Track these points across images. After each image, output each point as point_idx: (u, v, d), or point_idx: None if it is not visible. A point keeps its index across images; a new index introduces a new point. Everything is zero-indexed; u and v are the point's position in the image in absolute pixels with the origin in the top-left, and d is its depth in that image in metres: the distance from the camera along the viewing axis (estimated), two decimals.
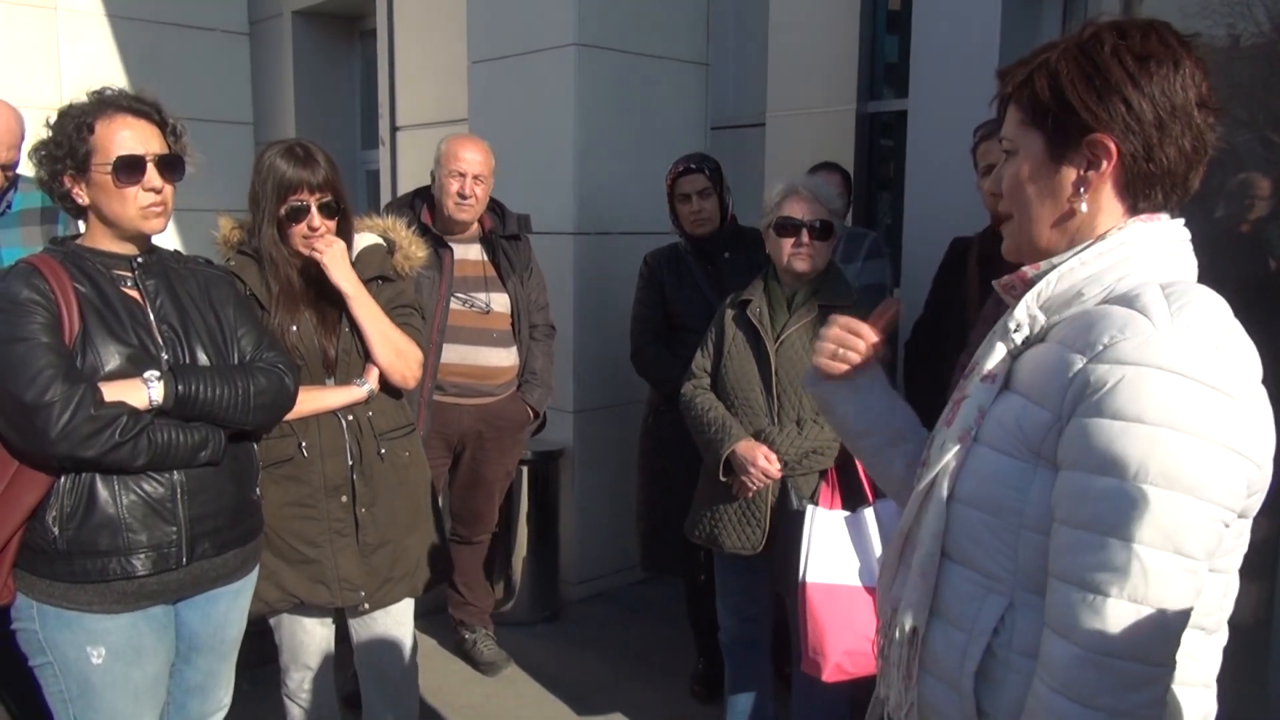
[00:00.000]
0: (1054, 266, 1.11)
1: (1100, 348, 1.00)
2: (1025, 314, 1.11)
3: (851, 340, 1.38)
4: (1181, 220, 1.12)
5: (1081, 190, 1.09)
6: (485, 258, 3.38)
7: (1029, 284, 1.14)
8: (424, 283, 3.14)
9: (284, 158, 2.21)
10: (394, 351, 2.33)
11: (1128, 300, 1.04)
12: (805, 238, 2.51)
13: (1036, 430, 1.05)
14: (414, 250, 2.51)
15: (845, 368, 1.39)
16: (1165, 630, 0.98)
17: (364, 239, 2.43)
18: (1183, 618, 0.99)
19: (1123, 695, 0.97)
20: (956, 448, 1.13)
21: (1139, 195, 1.10)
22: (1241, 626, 1.15)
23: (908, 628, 1.17)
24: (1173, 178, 1.09)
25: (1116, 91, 1.05)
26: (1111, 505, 0.97)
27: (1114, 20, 1.10)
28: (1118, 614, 0.97)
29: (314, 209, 2.23)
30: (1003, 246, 1.22)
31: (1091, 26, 1.10)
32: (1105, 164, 1.08)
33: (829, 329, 1.41)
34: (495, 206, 3.43)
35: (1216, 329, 1.01)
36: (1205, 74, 1.08)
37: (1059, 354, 1.05)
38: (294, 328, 2.26)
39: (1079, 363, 1.01)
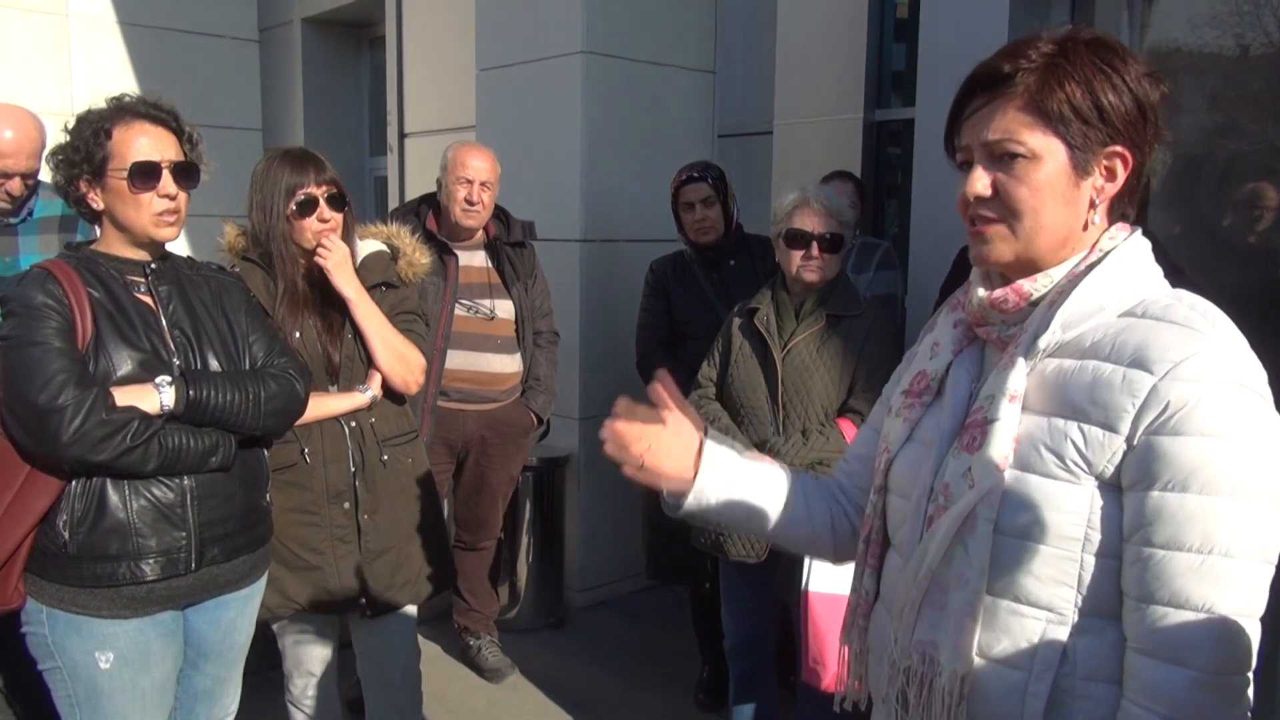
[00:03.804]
0: (1054, 281, 1.10)
1: (1169, 365, 0.98)
2: (1054, 331, 1.07)
3: (625, 443, 1.25)
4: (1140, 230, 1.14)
5: (1096, 203, 1.09)
6: (490, 264, 3.39)
7: (1025, 298, 1.11)
8: (429, 289, 3.15)
9: (283, 160, 2.26)
10: (396, 357, 2.34)
11: (1156, 314, 1.04)
12: (815, 250, 2.51)
13: (1098, 452, 1.02)
14: (418, 257, 2.52)
15: (654, 468, 1.26)
16: (1255, 637, 1.00)
17: (368, 245, 2.44)
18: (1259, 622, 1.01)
19: (1230, 710, 0.99)
20: (996, 475, 1.06)
21: (1120, 209, 1.11)
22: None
23: (958, 675, 1.09)
24: (1140, 190, 1.11)
25: (1141, 107, 1.06)
26: (1213, 524, 0.97)
27: (1095, 31, 1.10)
28: (1228, 631, 0.97)
29: (322, 202, 2.25)
30: (989, 251, 1.12)
31: (1086, 33, 1.09)
32: (1122, 175, 1.08)
33: (604, 433, 1.27)
34: (500, 213, 3.44)
35: (1240, 336, 1.03)
36: None
37: (1110, 372, 1.02)
38: (297, 333, 2.27)
39: (1148, 381, 0.99)
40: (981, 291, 1.16)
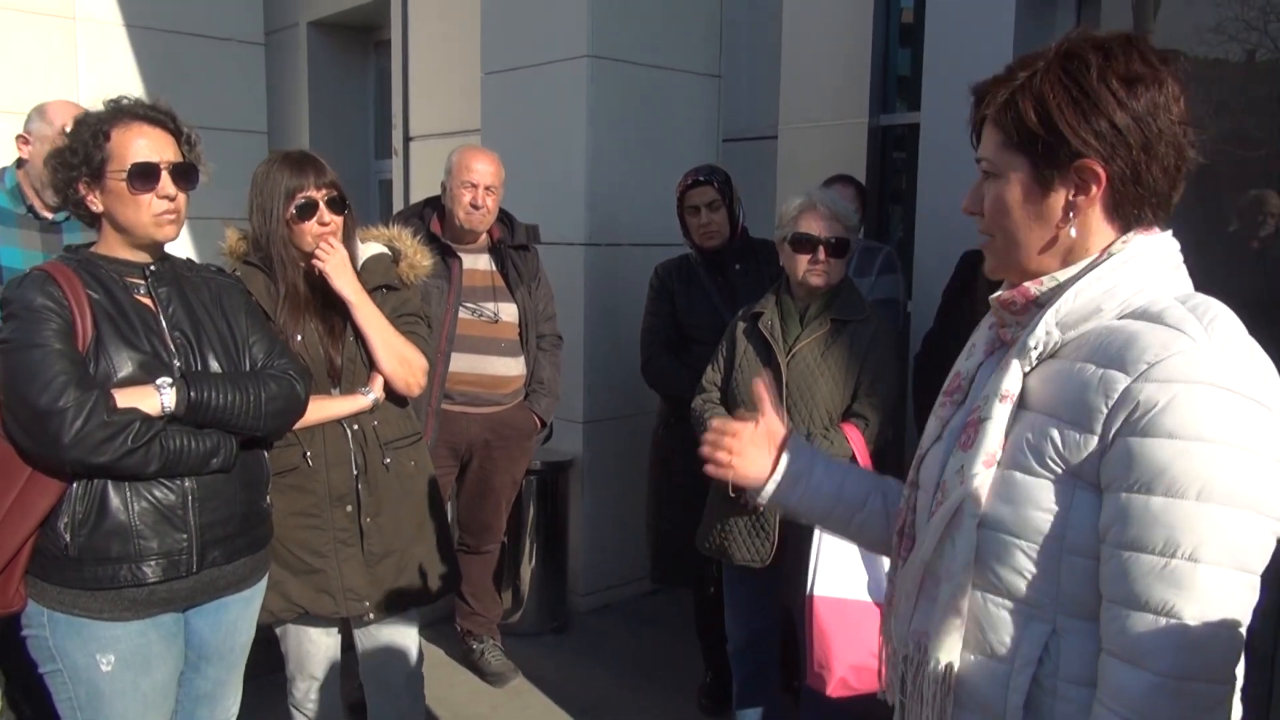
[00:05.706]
0: (1059, 283, 1.11)
1: (1144, 366, 0.98)
2: (1044, 331, 1.09)
3: (725, 439, 1.41)
4: (1170, 232, 1.13)
5: (1071, 215, 1.09)
6: (494, 267, 3.39)
7: (1033, 300, 1.13)
8: (432, 292, 3.16)
9: (283, 163, 2.26)
10: (398, 359, 2.33)
11: (1153, 316, 1.03)
12: (821, 254, 2.50)
13: (1074, 451, 1.03)
14: (419, 259, 2.52)
15: (733, 468, 1.42)
16: (1233, 647, 0.98)
17: (369, 248, 2.44)
18: (1243, 632, 0.99)
19: (1197, 718, 0.98)
20: (983, 472, 1.09)
21: (1129, 217, 1.10)
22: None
23: (942, 664, 1.13)
24: (1159, 197, 1.09)
25: (1105, 116, 1.05)
26: (1177, 527, 0.96)
27: (1092, 36, 1.09)
28: (1191, 637, 0.96)
29: (322, 205, 2.25)
30: (986, 265, 1.21)
31: (1068, 44, 1.09)
32: (1095, 188, 1.07)
33: (705, 435, 1.44)
34: (504, 217, 3.45)
35: (1245, 342, 1.02)
36: (1185, 90, 1.09)
37: (1091, 373, 1.03)
38: (298, 337, 2.27)
39: (1122, 382, 0.99)
40: (999, 292, 1.19)
